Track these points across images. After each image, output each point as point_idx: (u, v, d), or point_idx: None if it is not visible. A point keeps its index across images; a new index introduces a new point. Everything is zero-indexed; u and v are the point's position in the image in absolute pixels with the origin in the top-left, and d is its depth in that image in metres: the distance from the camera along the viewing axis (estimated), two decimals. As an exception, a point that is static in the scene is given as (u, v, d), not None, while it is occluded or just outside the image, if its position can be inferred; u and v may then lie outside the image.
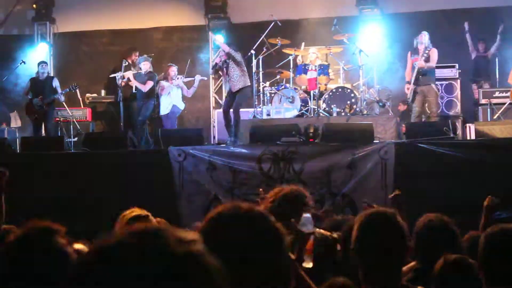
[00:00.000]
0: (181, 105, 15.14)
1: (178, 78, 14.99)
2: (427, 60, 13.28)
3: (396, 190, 6.24)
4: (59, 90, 14.59)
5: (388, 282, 3.27)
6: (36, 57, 16.52)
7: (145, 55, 15.23)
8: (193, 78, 15.08)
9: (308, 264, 3.54)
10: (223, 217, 2.11)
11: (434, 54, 13.43)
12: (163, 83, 14.99)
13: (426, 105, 13.42)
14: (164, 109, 14.91)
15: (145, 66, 14.65)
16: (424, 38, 13.45)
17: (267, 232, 2.07)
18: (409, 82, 13.60)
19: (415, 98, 13.42)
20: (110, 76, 15.81)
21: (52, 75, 15.87)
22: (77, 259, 1.35)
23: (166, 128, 14.27)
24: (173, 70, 15.10)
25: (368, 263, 3.28)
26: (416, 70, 13.33)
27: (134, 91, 14.85)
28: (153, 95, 14.61)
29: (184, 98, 15.15)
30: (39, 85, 14.63)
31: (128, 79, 14.68)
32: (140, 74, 14.65)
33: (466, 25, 15.36)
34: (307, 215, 3.82)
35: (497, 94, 13.97)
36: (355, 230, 3.37)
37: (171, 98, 14.88)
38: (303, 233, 3.63)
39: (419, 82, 13.33)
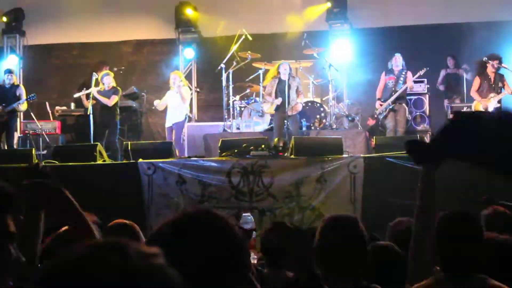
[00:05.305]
0: (182, 115, 14.52)
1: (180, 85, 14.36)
2: (405, 81, 13.71)
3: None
4: (23, 99, 14.43)
5: (347, 281, 3.37)
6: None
7: (107, 70, 15.11)
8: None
9: (253, 260, 3.78)
10: (181, 219, 2.08)
11: (410, 75, 13.87)
12: (168, 94, 14.61)
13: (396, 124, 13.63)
14: (168, 122, 14.54)
15: (108, 80, 14.41)
16: (398, 60, 13.89)
17: (225, 231, 2.05)
18: (380, 99, 13.78)
19: (388, 115, 13.61)
20: (75, 96, 15.62)
21: (18, 83, 15.47)
22: (37, 274, 1.35)
23: (136, 141, 14.10)
24: (173, 77, 14.50)
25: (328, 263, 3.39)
26: (391, 89, 13.67)
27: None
28: (117, 110, 14.46)
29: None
30: (2, 92, 14.51)
31: (93, 97, 14.37)
32: (104, 90, 14.38)
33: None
34: (247, 214, 4.29)
35: (465, 109, 14.05)
36: (318, 232, 3.47)
37: (174, 109, 14.39)
38: (246, 230, 4.08)
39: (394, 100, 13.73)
